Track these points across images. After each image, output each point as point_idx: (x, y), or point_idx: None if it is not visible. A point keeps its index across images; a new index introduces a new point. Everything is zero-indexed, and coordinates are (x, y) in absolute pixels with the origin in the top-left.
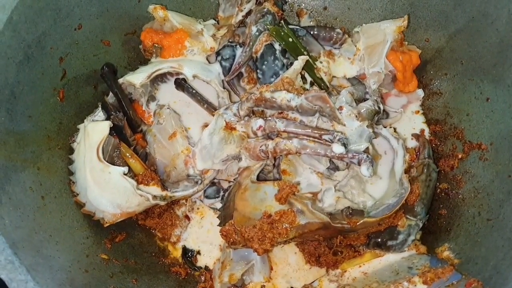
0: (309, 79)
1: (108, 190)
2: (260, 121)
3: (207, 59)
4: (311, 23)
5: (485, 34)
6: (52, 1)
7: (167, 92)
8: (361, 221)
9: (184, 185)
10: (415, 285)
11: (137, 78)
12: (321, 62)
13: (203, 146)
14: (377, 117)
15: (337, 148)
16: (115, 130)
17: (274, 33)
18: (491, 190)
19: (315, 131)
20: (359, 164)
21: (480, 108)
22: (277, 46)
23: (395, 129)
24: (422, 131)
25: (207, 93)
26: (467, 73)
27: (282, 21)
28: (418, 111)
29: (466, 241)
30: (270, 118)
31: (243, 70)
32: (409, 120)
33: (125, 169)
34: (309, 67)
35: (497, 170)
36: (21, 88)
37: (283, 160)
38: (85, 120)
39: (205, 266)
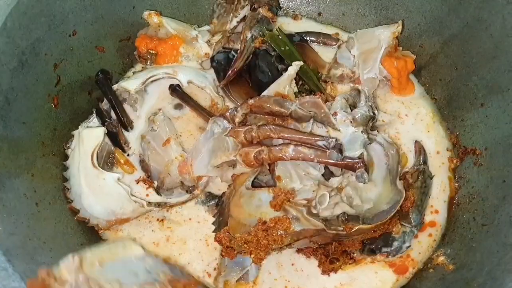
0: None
1: (103, 196)
2: (254, 128)
3: (201, 65)
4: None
5: (480, 40)
6: (46, 8)
7: None
8: (356, 227)
9: (179, 191)
10: None
11: (131, 84)
12: None
13: (197, 153)
14: (372, 123)
15: (332, 154)
16: (109, 136)
17: (270, 39)
18: (486, 195)
19: (310, 137)
20: (353, 170)
21: (474, 113)
22: (272, 52)
23: (389, 135)
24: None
25: (202, 99)
26: (462, 78)
27: (278, 28)
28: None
29: (461, 247)
30: (264, 124)
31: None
32: (404, 125)
33: (120, 175)
34: (303, 72)
35: (492, 175)
36: (15, 94)
37: (277, 166)
38: (79, 127)
39: None
